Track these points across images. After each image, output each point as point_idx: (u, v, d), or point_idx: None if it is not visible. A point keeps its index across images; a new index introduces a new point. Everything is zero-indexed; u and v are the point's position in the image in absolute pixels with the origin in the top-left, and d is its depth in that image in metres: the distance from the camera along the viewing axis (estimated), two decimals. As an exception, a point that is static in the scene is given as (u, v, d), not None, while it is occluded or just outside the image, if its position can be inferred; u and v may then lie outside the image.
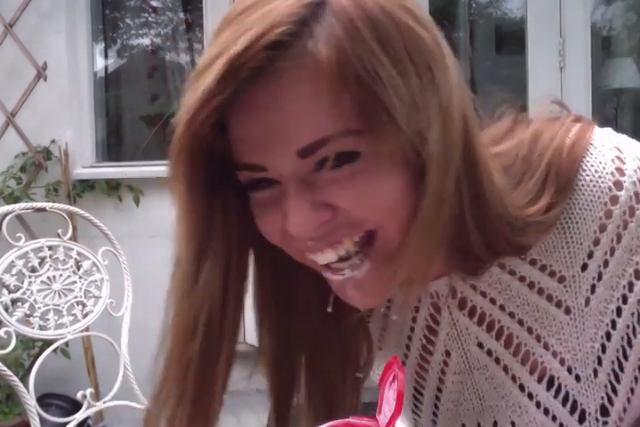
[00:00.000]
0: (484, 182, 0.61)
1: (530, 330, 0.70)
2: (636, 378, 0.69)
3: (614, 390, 0.69)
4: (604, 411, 0.69)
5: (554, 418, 0.71)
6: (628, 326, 0.68)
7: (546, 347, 0.69)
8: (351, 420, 0.61)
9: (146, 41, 3.96)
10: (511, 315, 0.70)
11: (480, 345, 0.73)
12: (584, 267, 0.67)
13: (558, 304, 0.69)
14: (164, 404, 0.66)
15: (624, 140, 0.69)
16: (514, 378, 0.72)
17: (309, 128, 0.54)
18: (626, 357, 0.68)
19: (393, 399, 0.57)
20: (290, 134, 0.54)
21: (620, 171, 0.66)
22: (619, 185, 0.66)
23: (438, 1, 3.83)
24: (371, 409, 0.65)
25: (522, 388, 0.72)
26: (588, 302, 0.68)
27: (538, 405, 0.71)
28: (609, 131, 0.71)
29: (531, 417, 0.72)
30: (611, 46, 4.02)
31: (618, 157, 0.67)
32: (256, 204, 0.61)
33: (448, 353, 0.76)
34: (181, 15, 3.88)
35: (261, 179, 0.58)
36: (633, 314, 0.67)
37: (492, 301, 0.71)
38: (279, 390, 0.75)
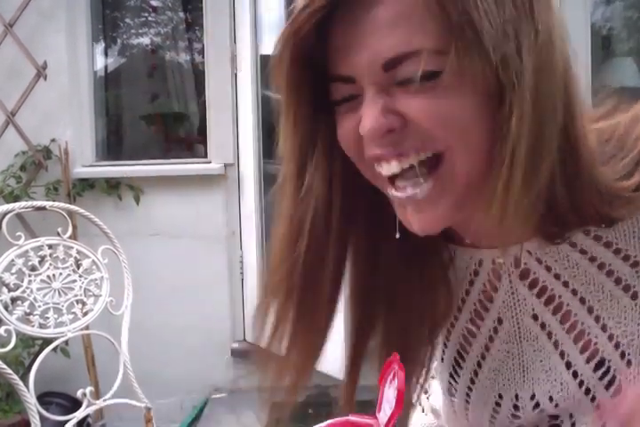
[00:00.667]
0: (580, 141, 0.60)
1: (590, 309, 0.68)
2: None
3: None
4: None
5: (593, 398, 0.70)
6: None
7: (603, 328, 0.68)
8: (351, 418, 0.61)
9: (146, 40, 3.97)
10: (574, 292, 0.69)
11: (535, 317, 0.72)
12: None
13: (626, 288, 0.67)
14: (270, 304, 0.68)
15: None
16: (562, 354, 0.71)
17: (397, 41, 0.55)
18: None
19: (393, 397, 0.57)
20: (378, 45, 0.56)
21: None
22: None
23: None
24: (369, 407, 0.66)
25: (568, 365, 0.70)
26: None
27: (580, 384, 0.70)
28: None
29: (570, 395, 0.71)
30: (611, 46, 4.01)
31: None
32: (340, 115, 0.63)
33: (500, 321, 0.75)
34: (181, 14, 3.88)
35: (350, 96, 0.61)
36: None
37: (557, 276, 0.70)
38: (357, 328, 0.75)
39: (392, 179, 0.62)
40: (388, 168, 0.61)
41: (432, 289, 0.75)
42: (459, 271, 0.76)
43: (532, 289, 0.71)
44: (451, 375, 0.81)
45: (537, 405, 0.73)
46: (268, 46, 3.13)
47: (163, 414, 2.97)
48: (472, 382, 0.79)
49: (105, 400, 1.59)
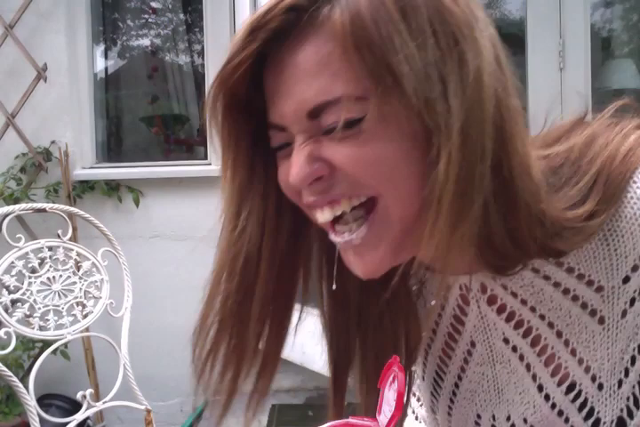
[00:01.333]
0: (517, 175, 0.59)
1: (559, 334, 0.69)
2: None
3: (637, 404, 0.67)
4: (621, 423, 0.68)
5: (566, 420, 0.70)
6: None
7: (573, 353, 0.69)
8: (351, 420, 0.61)
9: (146, 42, 3.96)
10: (541, 317, 0.69)
11: (506, 340, 0.73)
12: (626, 279, 0.65)
13: (592, 313, 0.67)
14: (206, 331, 0.71)
15: None
16: (534, 377, 0.72)
17: (318, 90, 0.56)
18: None
19: (393, 400, 0.57)
20: (300, 94, 0.57)
21: None
22: None
23: (438, 2, 3.83)
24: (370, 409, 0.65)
25: (540, 388, 0.71)
26: (624, 314, 0.66)
27: (553, 406, 0.71)
28: None
29: (543, 416, 0.71)
30: (610, 47, 4.02)
31: None
32: (279, 160, 0.65)
33: (473, 344, 0.76)
34: (181, 16, 3.88)
35: (285, 143, 0.62)
36: None
37: (523, 302, 0.70)
38: (335, 360, 0.77)
39: (333, 222, 0.63)
40: (322, 216, 0.62)
41: (402, 318, 0.76)
42: (429, 297, 0.78)
43: (500, 314, 0.72)
44: (432, 394, 0.83)
45: (513, 426, 0.74)
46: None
47: (163, 416, 2.97)
48: (451, 401, 0.80)
49: (105, 403, 1.59)
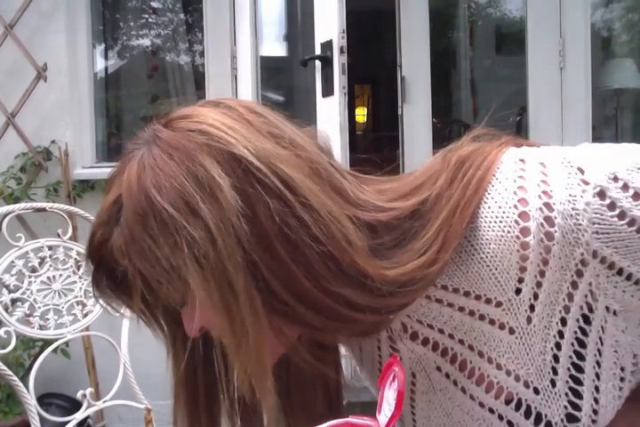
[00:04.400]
0: (325, 271, 0.65)
1: (480, 354, 0.73)
2: (597, 375, 0.70)
3: (577, 395, 0.71)
4: (572, 418, 0.71)
5: None
6: (575, 332, 0.69)
7: (499, 367, 0.72)
8: (351, 419, 0.61)
9: (146, 42, 3.96)
10: (461, 342, 0.74)
11: (438, 369, 0.77)
12: (518, 291, 0.69)
13: (502, 326, 0.71)
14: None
15: (532, 161, 0.70)
16: (472, 397, 0.75)
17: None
18: (581, 357, 0.70)
19: (393, 399, 0.57)
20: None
21: (524, 201, 0.68)
22: (525, 216, 0.67)
23: (438, 1, 3.83)
24: (369, 409, 0.66)
25: (481, 405, 0.75)
26: (529, 320, 0.70)
27: (500, 417, 0.74)
28: (517, 154, 0.72)
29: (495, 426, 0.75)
30: (610, 47, 4.02)
31: (520, 187, 0.69)
32: None
33: (414, 375, 0.80)
34: (181, 16, 3.88)
35: None
36: (578, 320, 0.69)
37: (440, 331, 0.74)
38: None
39: None
40: None
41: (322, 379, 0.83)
42: (365, 344, 0.83)
43: (425, 346, 0.76)
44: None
45: None
46: (268, 47, 3.13)
47: (163, 415, 2.97)
48: None
49: (105, 402, 1.59)
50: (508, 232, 0.68)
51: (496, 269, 0.69)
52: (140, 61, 4.00)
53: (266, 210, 0.64)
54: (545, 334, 0.70)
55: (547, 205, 0.67)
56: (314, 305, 0.66)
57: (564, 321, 0.69)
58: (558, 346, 0.70)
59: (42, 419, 1.44)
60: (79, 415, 1.52)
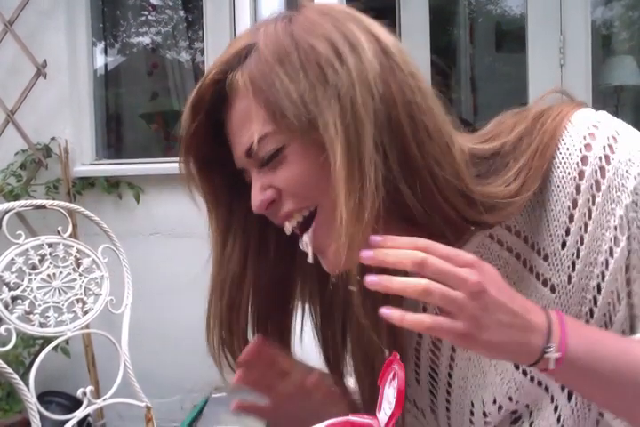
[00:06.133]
0: (432, 159, 0.69)
1: None
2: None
3: None
4: None
5: (546, 389, 0.76)
6: (608, 304, 0.71)
7: None
8: (351, 418, 0.61)
9: (146, 39, 3.96)
10: None
11: None
12: (563, 244, 0.72)
13: (545, 283, 0.73)
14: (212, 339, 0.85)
15: (609, 121, 0.73)
16: None
17: (244, 137, 0.72)
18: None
19: (393, 397, 0.57)
20: (237, 143, 0.73)
21: (589, 146, 0.71)
22: (585, 160, 0.70)
23: (438, -1, 3.82)
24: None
25: (517, 366, 0.76)
26: (570, 279, 0.72)
27: (532, 379, 0.76)
28: (597, 113, 0.74)
29: (526, 391, 0.77)
30: (611, 44, 4.01)
31: (591, 134, 0.71)
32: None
33: None
34: (181, 13, 3.87)
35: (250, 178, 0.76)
36: (612, 292, 0.71)
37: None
38: (328, 358, 0.87)
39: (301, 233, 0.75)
40: (286, 229, 0.75)
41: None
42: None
43: None
44: (430, 392, 0.86)
45: (500, 407, 0.79)
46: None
47: (163, 413, 2.97)
48: (448, 393, 0.83)
49: (105, 400, 1.59)
50: (569, 173, 0.71)
51: (551, 212, 0.72)
52: (139, 59, 3.99)
53: (398, 86, 0.68)
54: (581, 296, 0.72)
55: (606, 157, 0.70)
56: (424, 194, 0.69)
57: (599, 288, 0.71)
58: (591, 313, 0.72)
59: (42, 417, 1.45)
60: (79, 413, 1.52)
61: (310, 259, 0.75)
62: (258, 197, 0.73)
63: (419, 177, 0.68)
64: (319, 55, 0.68)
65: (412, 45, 3.13)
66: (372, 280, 0.61)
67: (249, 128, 0.71)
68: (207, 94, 0.73)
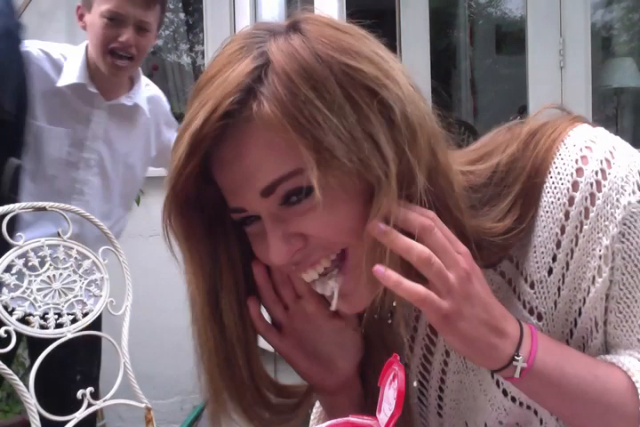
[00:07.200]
0: (444, 191, 0.66)
1: None
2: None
3: None
4: None
5: (535, 413, 0.75)
6: (586, 329, 0.71)
7: None
8: (351, 419, 0.61)
9: (146, 41, 3.95)
10: None
11: None
12: (550, 271, 0.70)
13: (531, 311, 0.72)
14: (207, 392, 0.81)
15: (603, 142, 0.70)
16: (497, 383, 0.76)
17: (265, 172, 0.62)
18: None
19: (393, 398, 0.57)
20: (251, 180, 0.63)
21: (580, 171, 0.68)
22: (576, 186, 0.68)
23: (438, 0, 3.83)
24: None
25: (505, 392, 0.75)
26: (556, 305, 0.71)
27: (521, 405, 0.75)
28: (592, 131, 0.72)
29: (515, 415, 0.76)
30: (611, 46, 4.02)
31: (583, 157, 0.68)
32: (250, 235, 0.70)
33: (447, 353, 0.79)
34: (182, 16, 3.88)
35: (247, 217, 0.67)
36: (591, 319, 0.70)
37: None
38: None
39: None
40: (308, 276, 0.68)
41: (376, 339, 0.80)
42: (406, 309, 0.79)
43: None
44: (420, 408, 0.85)
45: None
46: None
47: (163, 414, 2.97)
48: (439, 415, 0.83)
49: (105, 401, 1.59)
50: (559, 199, 0.69)
51: (539, 238, 0.70)
52: (140, 61, 3.99)
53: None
54: (564, 319, 0.71)
55: (598, 183, 0.67)
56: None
57: (579, 311, 0.70)
58: (571, 333, 0.72)
59: (42, 418, 1.44)
60: (79, 415, 1.52)
61: (334, 306, 0.70)
62: (282, 247, 0.64)
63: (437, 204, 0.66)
64: (365, 74, 0.61)
65: (412, 48, 3.13)
66: (379, 229, 0.61)
67: (269, 164, 0.62)
68: (215, 129, 0.61)
